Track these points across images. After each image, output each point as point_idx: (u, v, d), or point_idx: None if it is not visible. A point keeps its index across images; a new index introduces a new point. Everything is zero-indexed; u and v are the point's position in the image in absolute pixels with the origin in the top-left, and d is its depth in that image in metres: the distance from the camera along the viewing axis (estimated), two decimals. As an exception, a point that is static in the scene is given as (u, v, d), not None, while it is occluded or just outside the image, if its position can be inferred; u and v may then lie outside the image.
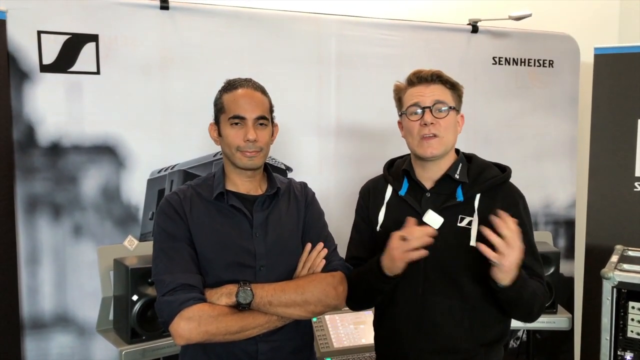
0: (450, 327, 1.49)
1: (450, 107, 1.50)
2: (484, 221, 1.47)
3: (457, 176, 1.53)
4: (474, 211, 1.50)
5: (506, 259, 1.31)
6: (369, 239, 1.63)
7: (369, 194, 1.66)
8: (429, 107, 1.49)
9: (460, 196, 1.51)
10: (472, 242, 1.46)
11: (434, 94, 1.50)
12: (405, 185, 1.58)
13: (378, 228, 1.59)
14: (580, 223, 2.90)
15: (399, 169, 1.62)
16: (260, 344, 1.45)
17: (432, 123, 1.48)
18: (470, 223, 1.49)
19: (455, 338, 1.50)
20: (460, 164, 1.55)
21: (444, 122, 1.49)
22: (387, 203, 1.60)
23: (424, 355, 1.52)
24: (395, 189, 1.60)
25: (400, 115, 1.58)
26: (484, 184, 1.52)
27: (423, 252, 1.37)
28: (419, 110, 1.49)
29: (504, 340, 1.58)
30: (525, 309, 1.48)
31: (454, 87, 1.54)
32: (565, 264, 2.76)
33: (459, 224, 1.50)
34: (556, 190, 2.88)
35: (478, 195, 1.51)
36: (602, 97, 2.76)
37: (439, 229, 1.48)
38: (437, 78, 1.51)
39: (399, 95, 1.58)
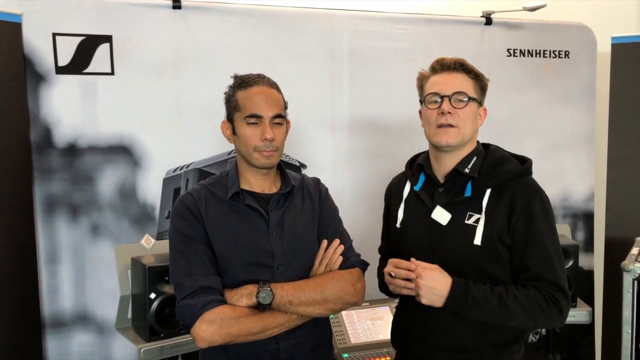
0: (457, 325, 1.44)
1: (470, 98, 1.46)
2: (491, 219, 1.43)
3: (466, 170, 1.47)
4: (482, 208, 1.45)
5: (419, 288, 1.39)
6: (387, 237, 1.69)
7: (391, 193, 1.67)
8: (448, 96, 1.45)
9: (468, 191, 1.46)
10: (477, 241, 1.42)
11: (454, 84, 1.46)
12: (421, 180, 1.56)
13: (398, 225, 1.59)
14: (600, 215, 2.86)
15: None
16: (281, 342, 1.46)
17: (449, 112, 1.44)
18: (477, 221, 1.44)
19: (462, 336, 1.46)
20: (475, 157, 1.49)
21: (462, 112, 1.45)
22: (405, 200, 1.58)
23: (431, 352, 1.49)
24: (412, 184, 1.58)
25: (421, 103, 1.55)
26: (495, 179, 1.46)
27: (410, 292, 1.42)
28: (438, 99, 1.46)
29: (518, 344, 1.49)
30: (499, 320, 1.40)
31: (477, 77, 1.49)
32: (584, 257, 2.72)
33: (466, 221, 1.45)
34: (574, 182, 2.84)
35: (488, 191, 1.45)
36: (620, 88, 2.71)
37: (447, 226, 1.46)
38: (460, 66, 1.48)
39: (421, 83, 1.54)
